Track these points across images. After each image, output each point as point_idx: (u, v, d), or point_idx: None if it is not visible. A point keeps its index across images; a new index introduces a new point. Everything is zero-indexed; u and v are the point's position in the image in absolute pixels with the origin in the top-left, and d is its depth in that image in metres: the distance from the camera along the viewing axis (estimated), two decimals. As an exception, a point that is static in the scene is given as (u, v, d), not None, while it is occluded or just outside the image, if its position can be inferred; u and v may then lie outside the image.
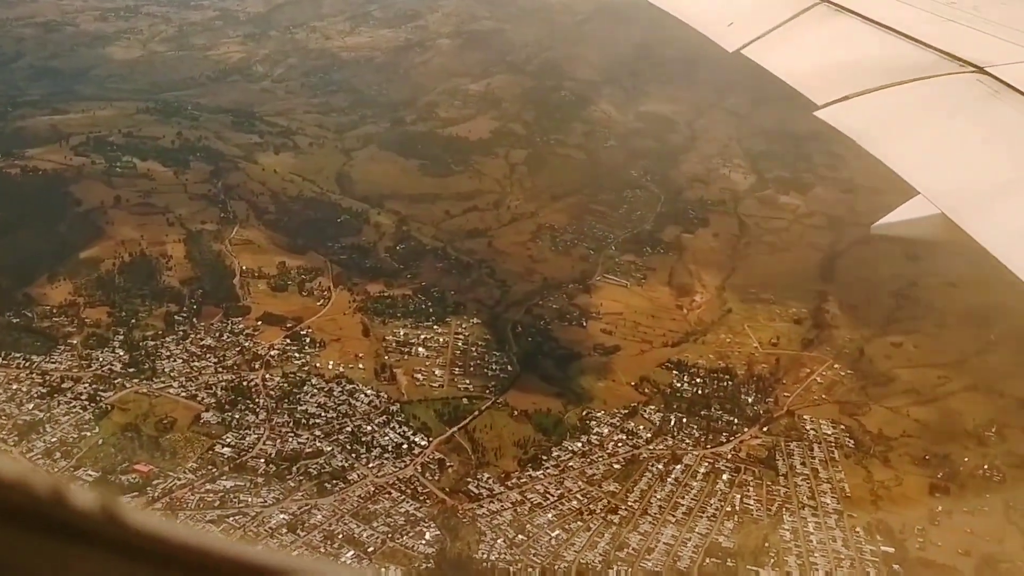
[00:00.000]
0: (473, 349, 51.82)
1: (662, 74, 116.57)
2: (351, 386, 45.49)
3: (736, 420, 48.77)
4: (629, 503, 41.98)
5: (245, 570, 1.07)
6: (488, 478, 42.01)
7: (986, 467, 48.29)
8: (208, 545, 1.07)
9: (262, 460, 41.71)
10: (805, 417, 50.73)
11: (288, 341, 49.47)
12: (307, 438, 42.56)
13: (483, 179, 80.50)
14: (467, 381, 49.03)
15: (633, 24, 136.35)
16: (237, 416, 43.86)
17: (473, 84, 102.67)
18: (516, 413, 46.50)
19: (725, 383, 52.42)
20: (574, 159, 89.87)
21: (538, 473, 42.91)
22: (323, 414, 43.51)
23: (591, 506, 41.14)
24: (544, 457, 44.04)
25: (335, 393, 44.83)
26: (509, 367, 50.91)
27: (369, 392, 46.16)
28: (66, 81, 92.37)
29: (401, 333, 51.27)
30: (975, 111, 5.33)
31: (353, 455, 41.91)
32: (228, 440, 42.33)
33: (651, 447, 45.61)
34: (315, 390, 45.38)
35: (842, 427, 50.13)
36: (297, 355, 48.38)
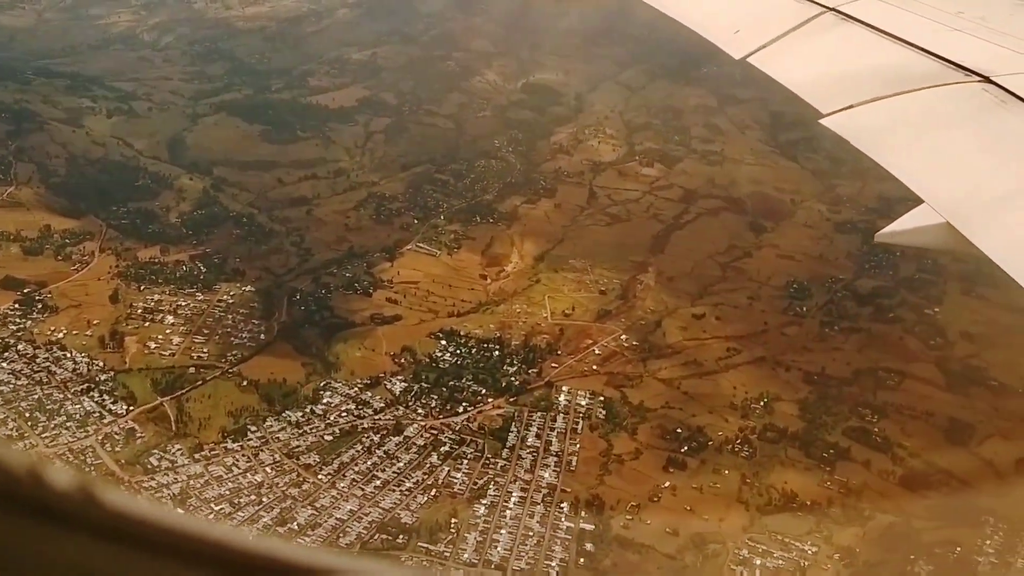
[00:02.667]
0: (230, 317, 49.39)
1: (564, 46, 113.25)
2: (61, 353, 43.00)
3: (485, 391, 46.35)
4: (320, 477, 39.60)
5: (224, 551, 1.06)
6: (178, 450, 39.63)
7: (738, 442, 45.78)
8: (187, 527, 1.06)
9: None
10: (564, 388, 48.33)
11: (17, 306, 46.96)
12: (-18, 406, 39.96)
13: (331, 147, 77.72)
14: (205, 350, 46.59)
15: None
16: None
17: (358, 54, 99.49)
18: (246, 383, 44.08)
19: (491, 354, 49.98)
20: (439, 128, 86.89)
21: (236, 445, 40.49)
22: (13, 382, 41.05)
23: (276, 480, 38.81)
24: (253, 428, 41.63)
25: (38, 360, 42.38)
26: (262, 336, 48.47)
27: (80, 360, 43.74)
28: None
29: (155, 300, 48.74)
30: (981, 121, 5.12)
31: (29, 424, 39.56)
32: None
33: (377, 418, 43.19)
34: (17, 356, 42.93)
35: (601, 399, 47.75)
36: (18, 320, 45.87)
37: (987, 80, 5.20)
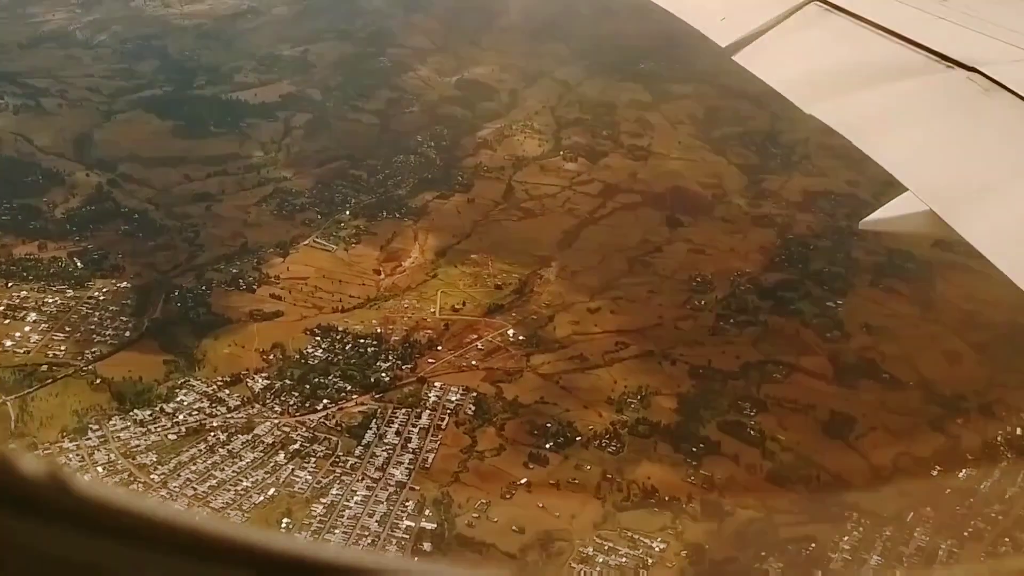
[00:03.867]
0: (97, 314, 47.89)
1: (504, 43, 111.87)
2: (-92, 353, 41.54)
3: (351, 388, 44.99)
4: (152, 477, 38.19)
5: (200, 539, 1.04)
6: (12, 449, 38.12)
7: (607, 437, 44.51)
8: (161, 515, 1.04)
9: None
10: (436, 384, 46.99)
11: None
12: None
13: (246, 143, 76.22)
14: (63, 347, 45.10)
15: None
16: None
17: (290, 50, 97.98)
18: (99, 381, 42.57)
19: (366, 350, 48.62)
20: (362, 124, 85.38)
21: (72, 445, 39.03)
22: None
23: (104, 479, 37.30)
24: (95, 427, 40.15)
25: None
26: (128, 333, 46.98)
27: (-80, 359, 42.30)
28: None
29: (20, 296, 47.25)
30: (966, 109, 5.15)
31: None
32: None
33: (229, 416, 41.74)
34: None
35: (474, 394, 46.45)
36: None
37: (972, 69, 5.22)
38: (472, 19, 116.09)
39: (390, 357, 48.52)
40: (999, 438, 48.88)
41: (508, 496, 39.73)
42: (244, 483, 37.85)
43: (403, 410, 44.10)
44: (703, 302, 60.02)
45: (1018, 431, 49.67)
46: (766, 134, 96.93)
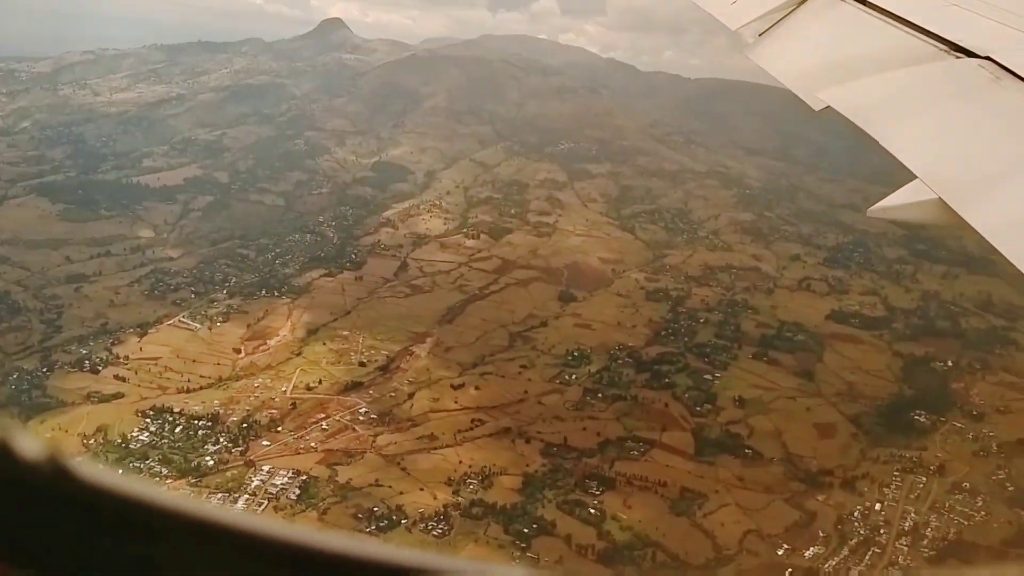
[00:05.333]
0: (-76, 395, 45.65)
1: (428, 125, 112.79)
2: None
3: (167, 472, 42.51)
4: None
5: (203, 525, 1.03)
6: None
7: (436, 519, 42.19)
8: (162, 501, 1.03)
9: None
10: (264, 467, 44.49)
11: None
12: None
13: (136, 225, 75.21)
14: None
15: (437, 74, 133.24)
16: None
17: (207, 135, 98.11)
18: None
19: (197, 432, 46.28)
20: (265, 206, 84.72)
21: None
22: None
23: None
24: None
25: None
26: (-62, 416, 44.53)
27: None
28: None
29: None
30: (976, 97, 4.73)
31: None
32: None
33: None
34: None
35: (303, 478, 43.89)
36: None
37: (984, 57, 4.92)
38: (398, 102, 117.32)
39: (221, 440, 46.24)
40: (857, 514, 46.37)
41: None
42: None
43: (219, 495, 41.46)
44: (574, 377, 58.10)
45: (877, 507, 47.17)
46: (677, 211, 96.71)
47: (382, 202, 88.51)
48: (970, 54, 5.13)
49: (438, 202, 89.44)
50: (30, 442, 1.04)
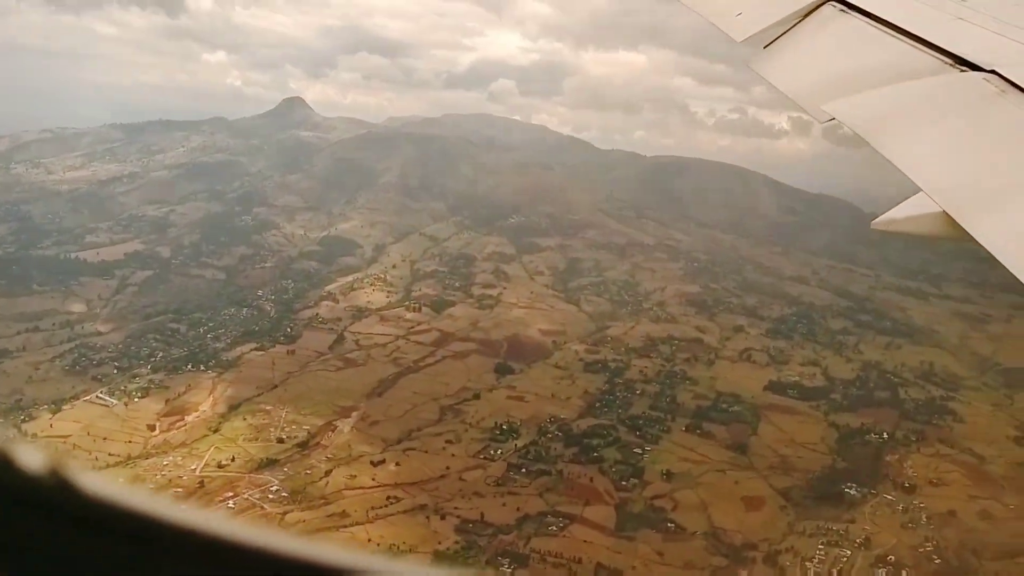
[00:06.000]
0: None
1: (381, 201, 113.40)
2: None
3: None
4: None
5: (204, 541, 1.03)
6: None
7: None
8: (164, 515, 1.02)
9: None
10: (160, 548, 42.35)
11: None
12: None
13: (69, 300, 74.16)
14: None
15: (393, 151, 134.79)
16: None
17: (155, 211, 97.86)
18: None
19: (95, 511, 44.28)
20: (205, 280, 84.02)
21: None
22: None
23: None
24: None
25: None
26: None
27: None
28: None
29: None
30: (981, 110, 4.73)
31: None
32: None
33: None
34: None
35: (200, 558, 41.72)
36: None
37: (989, 71, 4.74)
38: (352, 179, 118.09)
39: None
40: (776, 590, 44.87)
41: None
42: None
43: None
44: (499, 451, 56.81)
45: (798, 582, 45.72)
46: (624, 283, 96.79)
47: (326, 276, 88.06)
48: (975, 68, 5.13)
49: (383, 275, 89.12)
50: (31, 453, 1.03)
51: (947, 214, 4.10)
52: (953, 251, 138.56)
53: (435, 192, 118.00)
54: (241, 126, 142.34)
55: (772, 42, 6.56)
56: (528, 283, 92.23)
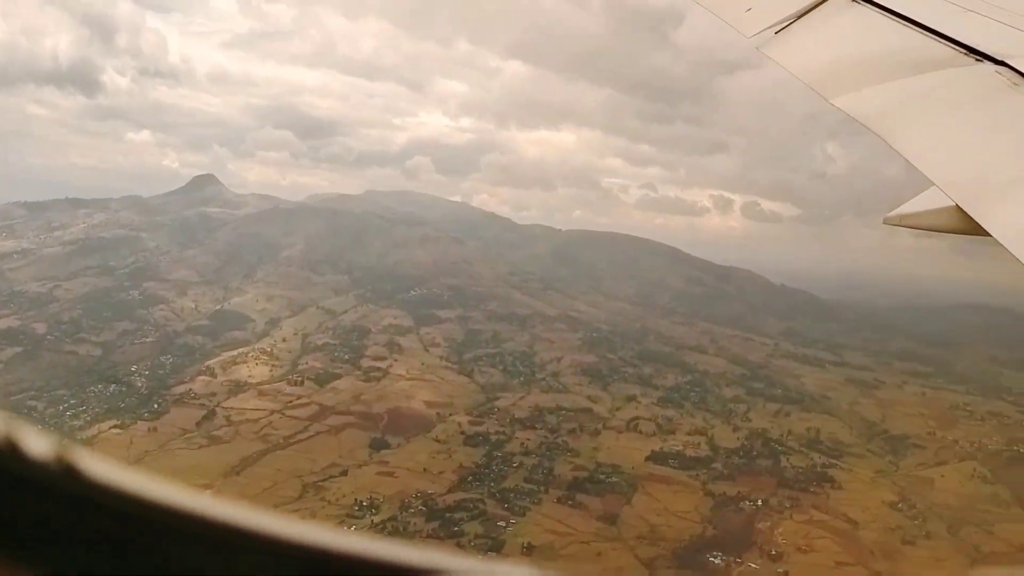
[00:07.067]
0: None
1: (281, 274, 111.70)
2: None
3: None
4: None
5: (216, 529, 1.02)
6: None
7: None
8: (173, 500, 1.01)
9: None
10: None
11: None
12: None
13: (-78, 377, 70.44)
14: None
15: (300, 225, 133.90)
16: None
17: (39, 287, 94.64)
18: None
19: None
20: (79, 356, 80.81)
21: None
22: None
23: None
24: None
25: None
26: None
27: None
28: None
29: None
30: (993, 103, 4.63)
31: None
32: None
33: None
34: None
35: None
36: None
37: (1000, 63, 4.66)
38: (253, 253, 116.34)
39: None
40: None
41: None
42: None
43: None
44: (353, 527, 54.49)
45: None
46: (520, 354, 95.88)
47: (210, 351, 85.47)
48: (987, 59, 5.03)
49: (270, 349, 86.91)
50: (37, 440, 1.00)
51: (959, 208, 4.07)
52: (857, 321, 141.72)
53: (341, 266, 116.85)
54: (153, 203, 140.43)
55: (783, 28, 6.50)
56: (422, 355, 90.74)
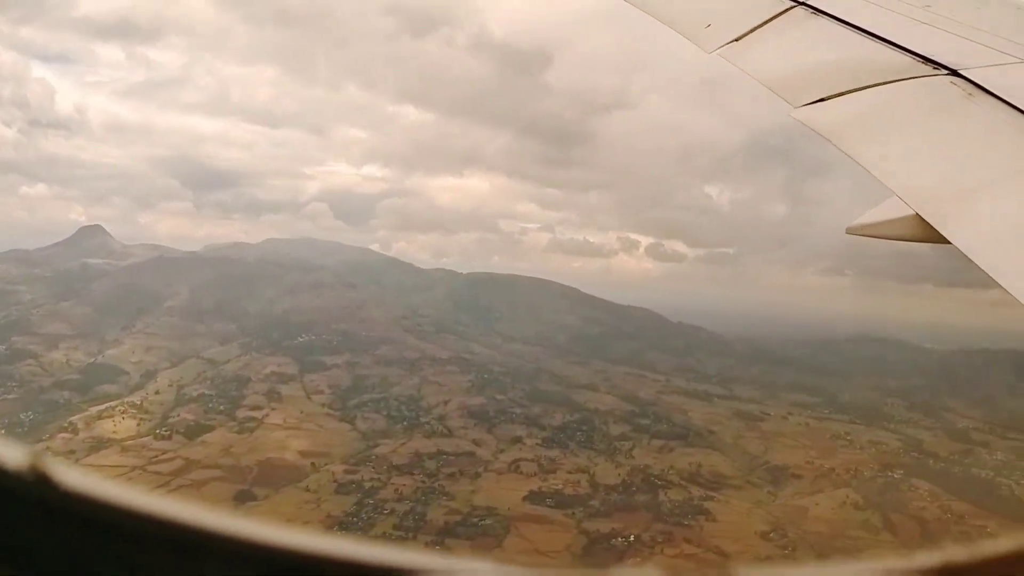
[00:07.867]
0: None
1: (162, 325, 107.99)
2: None
3: None
4: None
5: (192, 532, 1.00)
6: None
7: None
8: (148, 509, 1.00)
9: None
10: None
11: None
12: None
13: None
14: None
15: (186, 275, 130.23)
16: None
17: None
18: None
19: None
20: (-72, 416, 76.31)
21: None
22: None
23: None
24: None
25: None
26: None
27: None
28: None
29: None
30: (949, 113, 4.87)
31: None
32: None
33: None
34: None
35: None
36: None
37: (955, 73, 5.15)
38: (134, 304, 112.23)
39: None
40: None
41: None
42: None
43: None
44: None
45: None
46: (407, 398, 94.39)
47: (77, 406, 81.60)
48: (942, 69, 5.11)
49: (140, 403, 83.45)
50: (10, 448, 1.01)
51: (919, 217, 4.09)
52: (752, 355, 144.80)
53: (228, 315, 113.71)
54: (36, 256, 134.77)
55: (743, 36, 6.42)
56: (303, 403, 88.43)
